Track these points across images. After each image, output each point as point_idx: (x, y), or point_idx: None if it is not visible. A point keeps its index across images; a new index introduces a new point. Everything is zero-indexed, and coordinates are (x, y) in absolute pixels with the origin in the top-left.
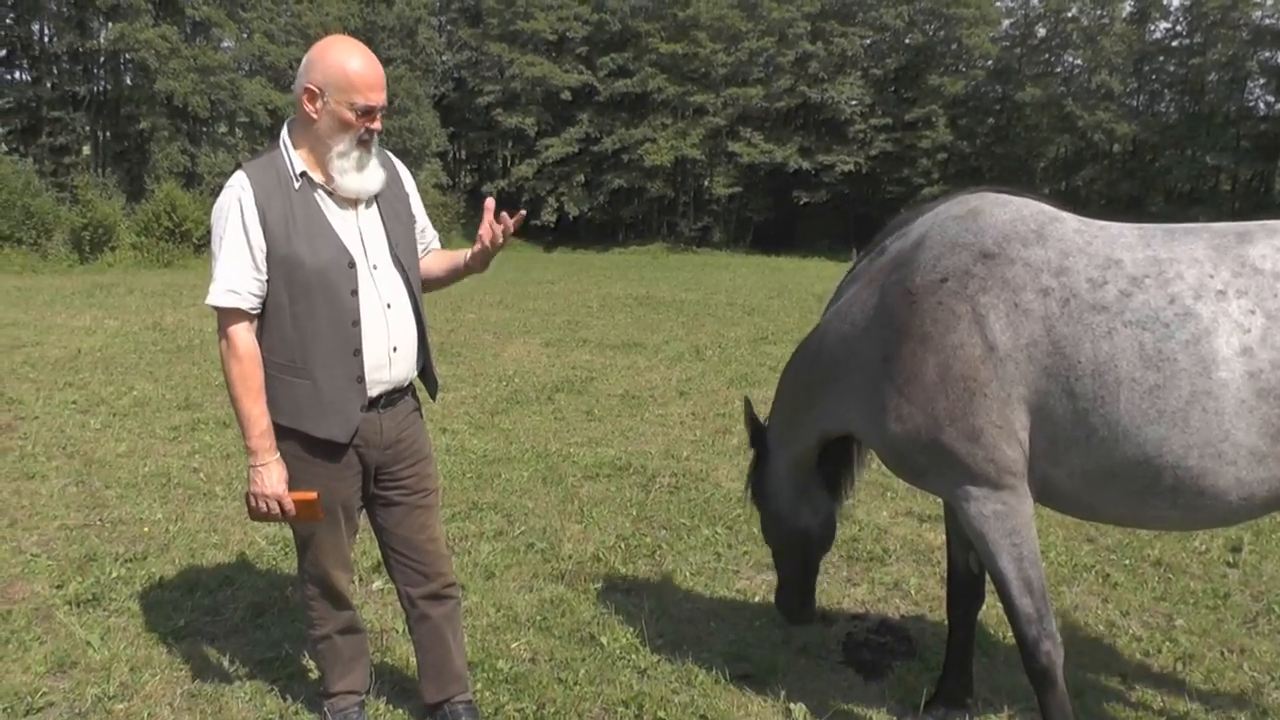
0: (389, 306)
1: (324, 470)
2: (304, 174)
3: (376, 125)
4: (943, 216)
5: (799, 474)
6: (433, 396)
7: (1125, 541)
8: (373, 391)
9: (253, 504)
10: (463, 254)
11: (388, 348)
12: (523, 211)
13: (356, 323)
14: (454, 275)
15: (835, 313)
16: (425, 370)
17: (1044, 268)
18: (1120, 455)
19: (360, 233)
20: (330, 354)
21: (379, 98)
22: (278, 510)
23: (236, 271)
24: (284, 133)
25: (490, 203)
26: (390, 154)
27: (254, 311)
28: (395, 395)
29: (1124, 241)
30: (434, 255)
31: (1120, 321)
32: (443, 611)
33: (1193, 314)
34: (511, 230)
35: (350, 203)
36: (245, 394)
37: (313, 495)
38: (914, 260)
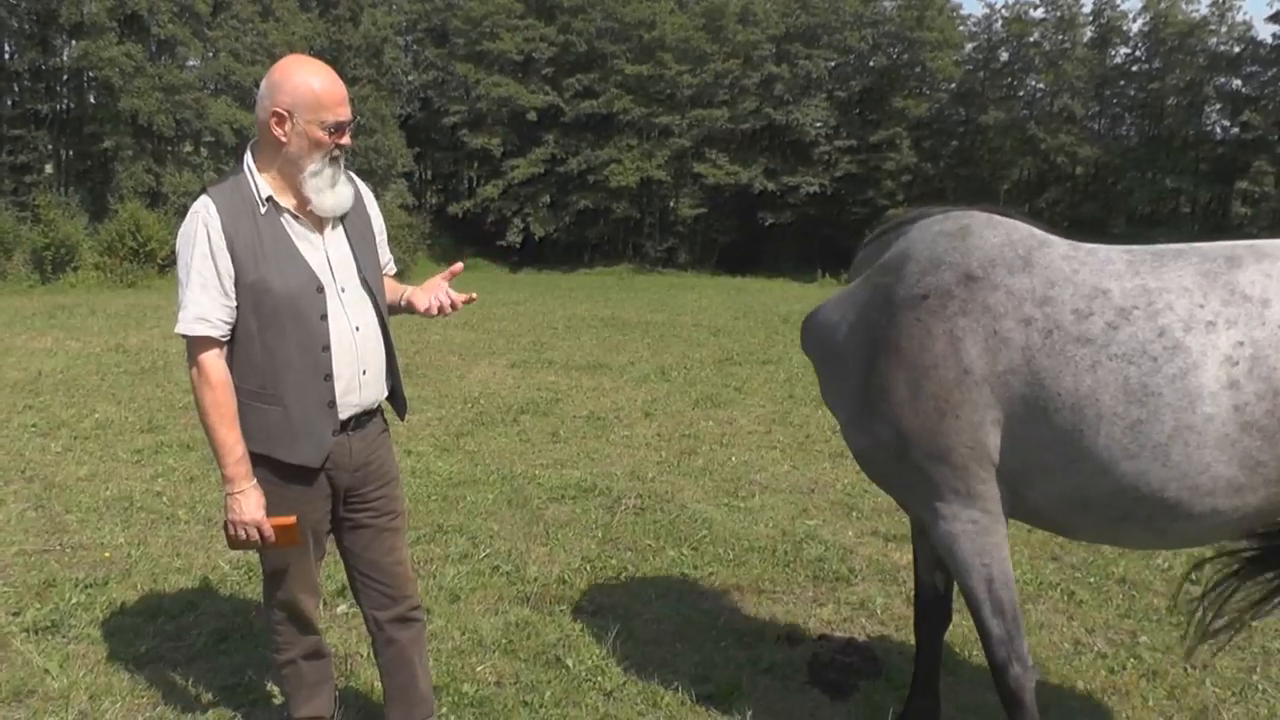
0: (357, 329)
1: (296, 495)
2: (270, 198)
3: (346, 140)
4: (935, 231)
5: None
6: (401, 417)
7: (1090, 559)
8: (343, 415)
9: (231, 532)
10: (404, 291)
11: (357, 370)
12: (474, 295)
13: (327, 348)
14: (392, 309)
15: (840, 296)
16: (394, 391)
17: (1027, 297)
18: (1096, 486)
19: (328, 256)
20: (301, 380)
21: (346, 112)
22: (257, 537)
23: (206, 299)
24: (247, 156)
25: (458, 268)
26: (354, 175)
27: (224, 339)
28: (364, 417)
29: (1112, 269)
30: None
31: (1105, 355)
32: (409, 635)
33: (1182, 347)
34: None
35: (317, 226)
36: (219, 422)
37: (291, 520)
38: (900, 271)
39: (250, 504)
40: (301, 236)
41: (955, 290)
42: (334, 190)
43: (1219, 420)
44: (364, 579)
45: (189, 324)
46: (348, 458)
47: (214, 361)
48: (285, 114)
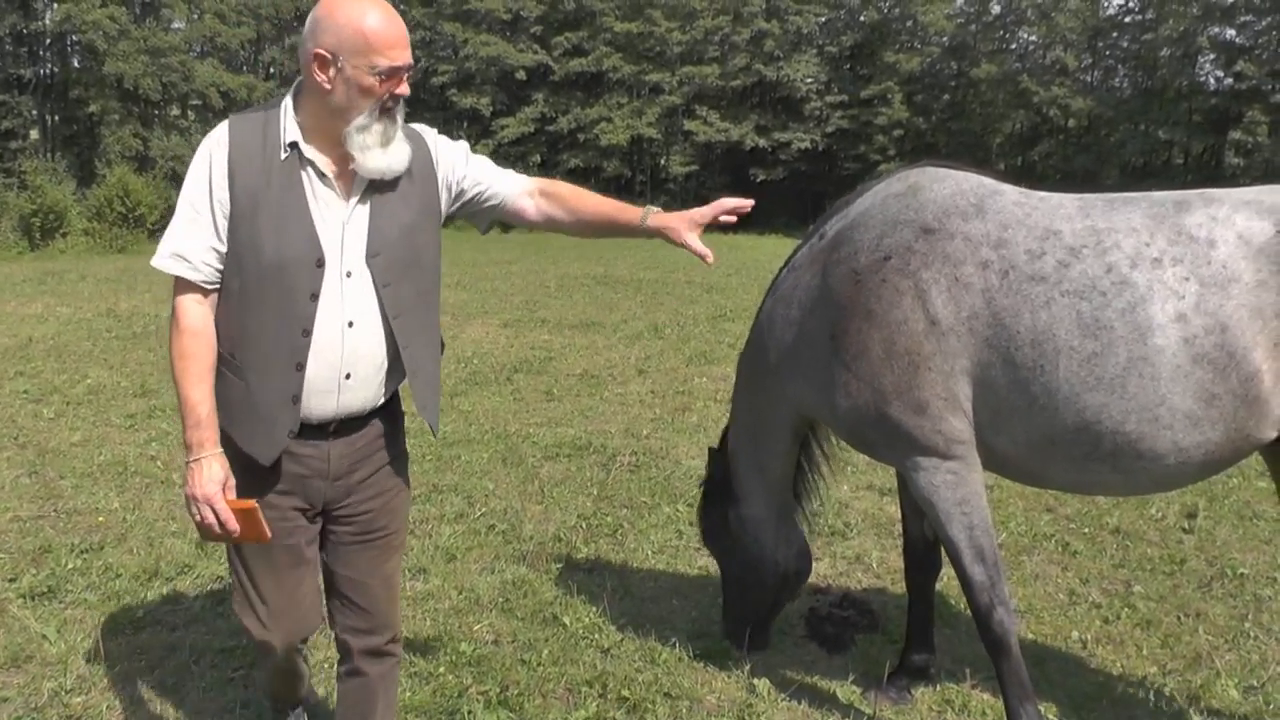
0: (350, 325)
1: (255, 489)
2: (294, 145)
3: (404, 89)
4: (883, 194)
5: (774, 499)
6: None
7: (1084, 510)
8: (312, 418)
9: (191, 511)
10: (634, 213)
11: (338, 373)
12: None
13: (308, 333)
14: (607, 227)
15: (779, 300)
16: (392, 400)
17: (983, 241)
18: (1061, 422)
19: (343, 229)
20: (269, 360)
21: (404, 56)
22: (213, 519)
23: (191, 235)
24: (288, 95)
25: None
26: (419, 127)
27: (208, 286)
28: (352, 423)
29: (1063, 213)
30: (571, 194)
31: (1058, 291)
32: (379, 670)
33: (1129, 282)
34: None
35: (345, 191)
36: (184, 374)
37: (249, 504)
38: (856, 240)
39: (204, 476)
40: (321, 199)
41: (915, 245)
42: (385, 150)
43: (1170, 352)
44: (342, 598)
45: (164, 258)
46: (325, 465)
47: (190, 306)
48: (329, 56)
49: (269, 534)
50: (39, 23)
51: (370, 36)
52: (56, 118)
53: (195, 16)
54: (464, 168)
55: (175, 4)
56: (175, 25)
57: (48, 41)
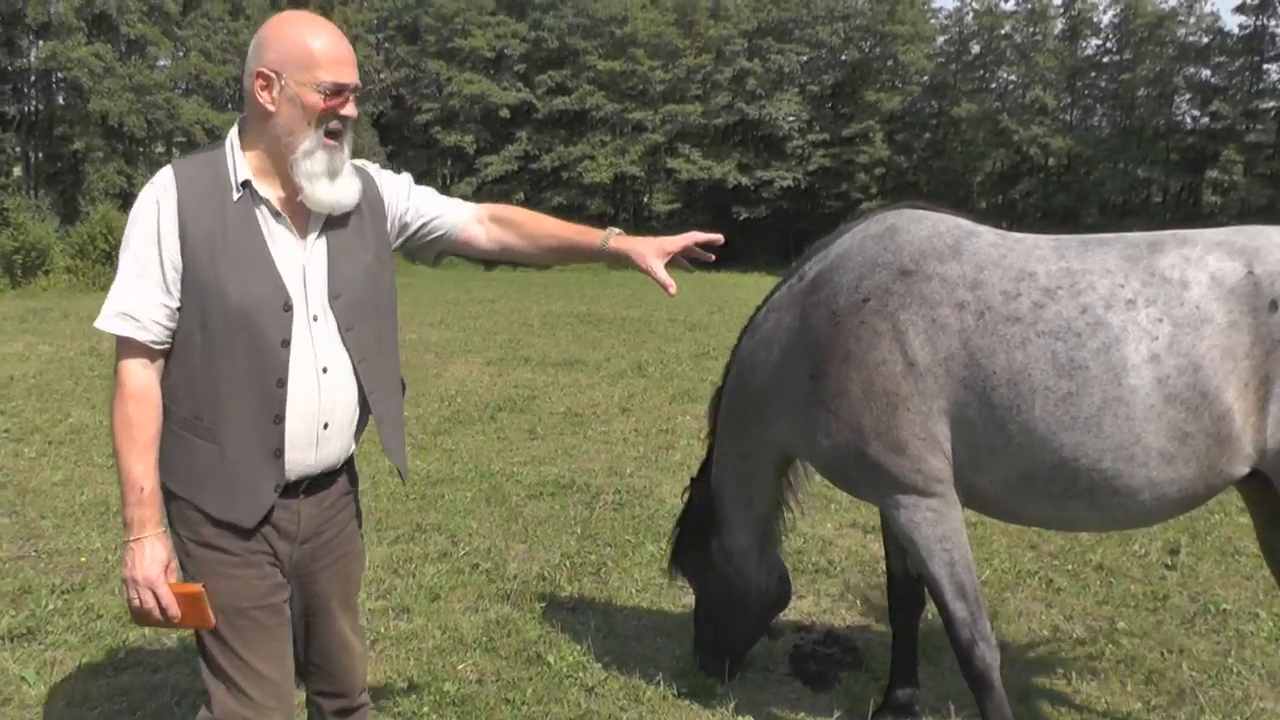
0: (324, 371)
1: (226, 558)
2: (247, 183)
3: (350, 111)
4: (861, 236)
5: (758, 530)
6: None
7: (1068, 547)
8: (291, 474)
9: (129, 595)
10: (595, 235)
11: (316, 423)
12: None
13: (283, 382)
14: (567, 252)
15: (760, 342)
16: (351, 458)
17: (960, 282)
18: (1038, 460)
19: (304, 271)
20: (245, 417)
21: (350, 75)
22: (153, 603)
23: (137, 292)
24: (233, 131)
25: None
26: (361, 163)
27: (158, 346)
28: (323, 479)
29: (1039, 254)
30: (527, 219)
31: (1034, 332)
32: None
33: (1104, 323)
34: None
35: (300, 229)
36: (128, 445)
37: (195, 589)
38: (835, 282)
39: (147, 558)
40: (278, 238)
41: (893, 287)
42: (333, 183)
43: (1144, 392)
44: (311, 665)
45: (109, 319)
46: (294, 526)
47: (136, 371)
48: (272, 75)
49: (212, 620)
50: (23, 60)
51: (315, 52)
52: (40, 155)
53: (180, 54)
54: (406, 200)
55: (161, 41)
56: (160, 63)
57: (32, 79)
